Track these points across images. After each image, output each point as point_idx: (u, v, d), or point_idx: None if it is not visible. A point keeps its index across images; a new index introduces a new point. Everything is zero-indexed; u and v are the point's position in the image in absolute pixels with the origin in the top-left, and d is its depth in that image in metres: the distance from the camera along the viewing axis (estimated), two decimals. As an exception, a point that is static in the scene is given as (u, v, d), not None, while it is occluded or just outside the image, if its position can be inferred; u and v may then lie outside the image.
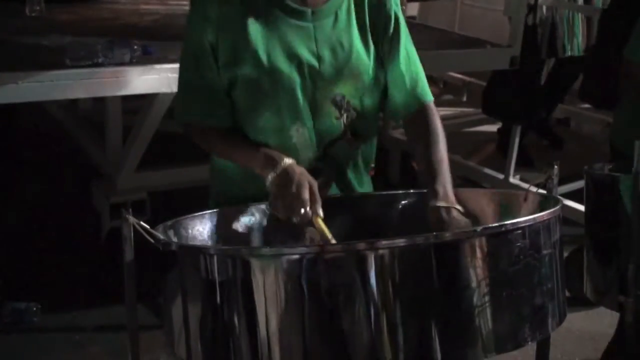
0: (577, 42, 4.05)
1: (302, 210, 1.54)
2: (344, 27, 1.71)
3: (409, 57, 1.77)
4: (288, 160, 1.62)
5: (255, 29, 1.66)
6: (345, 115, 1.73)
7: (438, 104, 5.88)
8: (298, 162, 1.67)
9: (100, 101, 3.73)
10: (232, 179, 1.80)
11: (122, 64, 2.84)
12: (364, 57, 1.72)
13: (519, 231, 1.37)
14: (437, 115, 1.79)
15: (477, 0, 5.72)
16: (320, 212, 1.56)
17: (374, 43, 1.73)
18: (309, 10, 1.68)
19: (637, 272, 1.67)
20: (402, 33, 1.75)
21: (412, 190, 1.83)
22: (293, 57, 1.67)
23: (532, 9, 3.88)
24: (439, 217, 1.55)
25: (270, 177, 1.60)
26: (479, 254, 1.33)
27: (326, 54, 1.69)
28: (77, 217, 3.87)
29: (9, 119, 4.80)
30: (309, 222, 1.56)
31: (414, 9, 5.56)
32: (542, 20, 3.94)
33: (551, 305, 1.44)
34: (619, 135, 2.51)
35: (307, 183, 1.57)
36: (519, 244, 1.36)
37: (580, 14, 4.04)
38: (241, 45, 1.65)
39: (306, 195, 1.55)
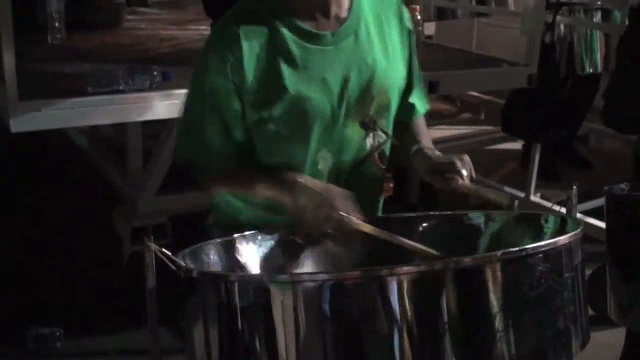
0: (595, 60, 4.05)
1: (340, 216, 1.52)
2: (366, 46, 1.69)
3: (414, 68, 1.82)
4: (305, 177, 1.61)
5: (281, 64, 1.62)
6: (372, 135, 1.72)
7: (456, 122, 5.88)
8: None
9: (120, 126, 3.77)
10: (238, 208, 1.78)
11: (142, 89, 2.88)
12: (389, 72, 1.71)
13: (540, 255, 1.36)
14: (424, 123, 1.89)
15: (494, 19, 5.73)
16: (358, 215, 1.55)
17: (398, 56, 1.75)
18: (329, 34, 1.65)
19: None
20: (413, 46, 1.79)
21: (432, 213, 1.83)
22: (320, 84, 1.64)
23: (550, 27, 3.89)
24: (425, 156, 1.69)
25: (294, 198, 1.58)
26: (499, 278, 1.32)
27: (352, 76, 1.66)
28: (98, 242, 3.89)
29: (35, 147, 4.85)
30: (348, 228, 1.53)
31: (430, 28, 5.58)
32: (560, 38, 3.94)
33: (574, 328, 1.42)
34: None
35: (334, 190, 1.57)
36: (540, 267, 1.35)
37: (598, 31, 4.04)
38: (270, 83, 1.62)
39: (338, 202, 1.54)
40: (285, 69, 1.62)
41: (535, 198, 4.06)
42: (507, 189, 4.20)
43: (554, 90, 4.12)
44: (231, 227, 1.73)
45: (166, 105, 2.89)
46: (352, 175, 1.73)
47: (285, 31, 1.63)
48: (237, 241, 1.69)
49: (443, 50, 4.25)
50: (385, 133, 1.73)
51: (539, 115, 4.04)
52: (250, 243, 1.69)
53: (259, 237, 1.69)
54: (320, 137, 1.67)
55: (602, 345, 2.87)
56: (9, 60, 2.65)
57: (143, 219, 3.51)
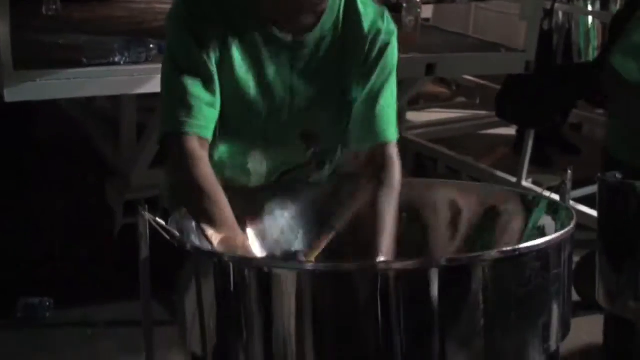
0: (592, 48, 4.05)
1: None
2: (324, 61, 1.64)
3: (379, 93, 1.67)
4: (219, 237, 1.51)
5: (235, 50, 1.60)
6: (312, 149, 1.72)
7: (451, 106, 5.89)
8: (249, 183, 1.69)
9: (115, 99, 3.76)
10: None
11: (137, 62, 2.87)
12: (338, 92, 1.67)
13: (533, 254, 1.36)
14: (396, 162, 1.68)
15: (491, 4, 5.71)
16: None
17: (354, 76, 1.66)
18: (290, 40, 1.62)
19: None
20: (382, 68, 1.66)
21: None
22: (266, 87, 1.63)
23: (548, 14, 3.88)
24: None
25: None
26: (490, 276, 1.32)
27: (301, 86, 1.64)
28: (90, 214, 3.89)
29: (25, 118, 4.83)
30: None
31: (428, 11, 5.56)
32: (558, 26, 3.94)
33: (557, 320, 1.44)
34: (617, 144, 2.46)
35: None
36: (531, 266, 1.36)
37: (596, 20, 4.04)
38: (223, 60, 1.59)
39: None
40: (237, 58, 1.60)
41: (527, 183, 4.08)
42: (499, 174, 4.22)
43: (550, 77, 4.12)
44: None
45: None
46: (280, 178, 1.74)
47: (250, 22, 1.60)
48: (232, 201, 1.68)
49: (441, 33, 4.24)
50: (325, 144, 1.72)
51: (534, 102, 4.04)
52: (238, 199, 1.67)
53: (249, 194, 1.71)
54: (254, 136, 1.66)
55: (587, 332, 2.91)
56: (4, 31, 2.64)
57: (136, 192, 3.51)
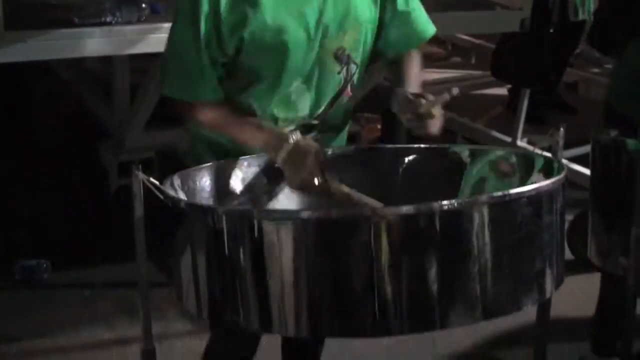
0: (588, 7, 4.02)
1: (317, 182, 1.58)
2: None
3: None
4: (293, 138, 1.61)
5: None
6: (345, 69, 1.74)
7: (446, 66, 5.84)
8: (295, 119, 1.70)
9: (107, 60, 3.73)
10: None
11: (130, 22, 2.84)
12: (365, 5, 1.73)
13: (523, 200, 1.38)
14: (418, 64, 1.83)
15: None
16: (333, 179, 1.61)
17: None
18: None
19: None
20: None
21: (418, 146, 1.85)
22: (298, 14, 1.66)
23: (543, -29, 3.85)
24: (405, 97, 1.65)
25: (280, 157, 1.61)
26: (482, 221, 1.34)
27: (329, 8, 1.68)
28: (85, 176, 3.89)
29: (17, 80, 4.80)
30: (327, 191, 1.60)
31: (423, -30, 5.51)
32: (554, -17, 3.90)
33: (550, 270, 1.46)
34: (618, 96, 2.46)
35: (315, 156, 1.60)
36: (522, 212, 1.38)
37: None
38: (247, 6, 1.63)
39: (317, 170, 1.59)
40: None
41: (521, 143, 4.08)
42: (494, 134, 4.22)
43: (546, 35, 4.10)
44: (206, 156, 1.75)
45: (154, 39, 2.85)
46: (324, 110, 1.77)
47: None
48: (224, 166, 1.70)
49: (435, -9, 4.20)
50: (355, 64, 1.75)
51: (529, 60, 4.03)
52: (237, 169, 1.70)
53: (245, 164, 1.72)
54: (294, 68, 1.69)
55: (581, 289, 2.94)
56: (-7, -8, 2.61)
57: (130, 154, 3.51)
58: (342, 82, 1.74)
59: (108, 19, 2.82)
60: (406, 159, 1.82)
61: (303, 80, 1.71)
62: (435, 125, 1.64)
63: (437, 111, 1.63)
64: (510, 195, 1.38)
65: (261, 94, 1.71)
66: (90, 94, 4.26)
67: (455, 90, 1.60)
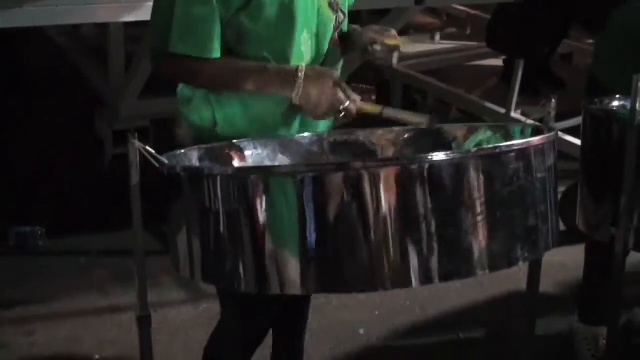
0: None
1: (347, 103, 1.64)
2: None
3: None
4: (303, 66, 1.66)
5: None
6: (335, 17, 1.78)
7: (441, 37, 5.78)
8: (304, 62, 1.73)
9: (102, 28, 3.72)
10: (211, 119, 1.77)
11: (126, -10, 2.83)
12: None
13: (513, 153, 1.40)
14: None
15: None
16: (357, 98, 1.68)
17: None
18: None
19: (629, 205, 1.71)
20: None
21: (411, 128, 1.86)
22: None
23: (540, -59, 3.83)
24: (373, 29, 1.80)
25: (296, 89, 1.64)
26: (473, 174, 1.36)
27: None
28: (80, 144, 3.90)
29: (11, 46, 4.78)
30: (355, 113, 1.67)
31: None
32: (550, -47, 3.89)
33: (544, 228, 1.48)
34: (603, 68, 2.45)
35: (332, 79, 1.66)
36: (512, 165, 1.40)
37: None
38: None
39: (340, 92, 1.64)
40: None
41: (515, 114, 4.09)
42: (488, 105, 4.23)
43: (540, 6, 4.09)
44: (203, 140, 1.74)
45: (150, 7, 2.82)
46: (327, 56, 1.80)
47: None
48: (220, 150, 1.70)
49: (431, -39, 4.18)
50: (343, 13, 1.81)
51: (524, 31, 4.02)
52: (234, 152, 1.71)
53: (242, 146, 1.72)
54: (302, 18, 1.71)
55: (573, 258, 2.97)
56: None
57: (125, 122, 3.51)
58: (333, 30, 1.80)
59: (104, -15, 2.81)
60: (400, 139, 1.84)
61: (308, 30, 1.74)
62: (396, 58, 1.81)
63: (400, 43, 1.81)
64: (501, 147, 1.40)
65: (277, 50, 1.70)
66: (85, 61, 4.25)
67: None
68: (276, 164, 1.73)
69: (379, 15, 4.05)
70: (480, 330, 2.71)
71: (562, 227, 2.99)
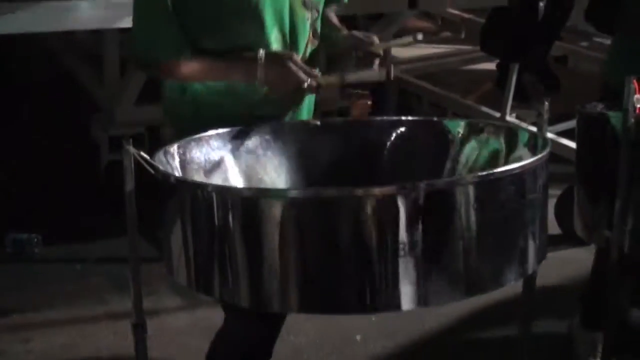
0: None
1: (307, 81, 1.68)
2: None
3: None
4: (261, 53, 1.69)
5: None
6: (310, 15, 1.81)
7: (436, 41, 5.79)
8: None
9: (97, 34, 3.71)
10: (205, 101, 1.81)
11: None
12: None
13: (508, 178, 1.40)
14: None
15: None
16: (317, 73, 1.71)
17: None
18: None
19: (624, 208, 1.71)
20: None
21: (407, 118, 1.87)
22: None
23: (533, -55, 3.84)
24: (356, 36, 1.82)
25: (259, 76, 1.69)
26: (466, 200, 1.36)
27: None
28: (76, 150, 3.89)
29: (6, 52, 4.77)
30: (317, 86, 1.71)
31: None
32: (543, -44, 3.89)
33: (533, 245, 1.48)
34: (614, 71, 2.45)
35: (292, 58, 1.70)
36: (506, 190, 1.40)
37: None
38: None
39: (297, 70, 1.68)
40: None
41: (510, 118, 4.09)
42: (483, 109, 4.23)
43: (534, 8, 4.10)
44: (184, 129, 1.76)
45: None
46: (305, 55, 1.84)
47: None
48: (210, 139, 1.71)
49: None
50: (317, 11, 1.84)
51: (517, 35, 4.03)
52: (226, 140, 1.72)
53: (232, 134, 1.73)
54: (272, 18, 1.74)
55: (570, 262, 2.98)
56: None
57: (120, 128, 3.51)
58: (309, 29, 1.82)
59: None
60: (393, 132, 1.84)
61: (279, 29, 1.77)
62: (376, 65, 1.80)
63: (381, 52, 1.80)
64: (494, 174, 1.40)
65: (245, 47, 1.74)
66: (81, 67, 4.25)
67: (420, 36, 1.78)
68: (268, 153, 1.74)
69: (373, 19, 4.06)
70: (479, 335, 2.71)
71: (559, 231, 3.02)
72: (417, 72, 4.80)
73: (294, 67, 1.69)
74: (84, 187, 3.58)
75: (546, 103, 1.70)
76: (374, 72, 1.79)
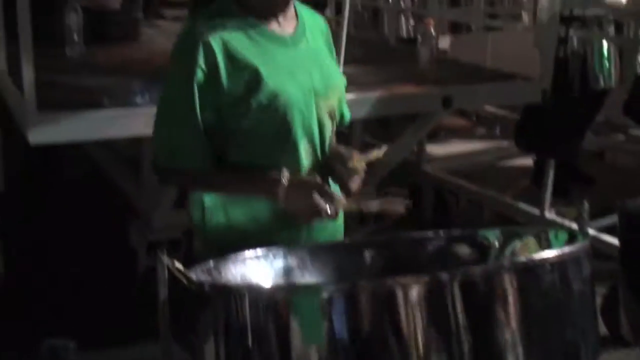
0: (609, 75, 4.03)
1: (327, 211, 1.68)
2: (315, 49, 1.84)
3: None
4: (284, 177, 1.71)
5: (257, 59, 1.72)
6: (332, 124, 1.85)
7: (471, 137, 5.82)
8: (303, 170, 1.78)
9: (136, 139, 3.80)
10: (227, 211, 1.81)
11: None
12: (336, 70, 1.90)
13: (547, 265, 1.37)
14: None
15: (508, 33, 5.73)
16: (341, 199, 1.72)
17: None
18: (288, 37, 1.80)
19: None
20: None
21: (441, 233, 1.84)
22: (292, 77, 1.75)
23: (563, 41, 3.88)
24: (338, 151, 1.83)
25: (281, 199, 1.70)
26: (506, 289, 1.33)
27: (314, 73, 1.80)
28: (114, 255, 3.91)
29: (49, 158, 4.89)
30: (336, 214, 1.71)
31: (445, 42, 5.59)
32: (574, 53, 3.93)
33: (583, 342, 1.43)
34: None
35: (315, 185, 1.70)
36: (547, 278, 1.37)
37: (611, 45, 4.02)
38: (247, 75, 1.71)
39: (319, 199, 1.68)
40: (260, 64, 1.72)
41: (550, 214, 4.03)
42: (522, 206, 4.18)
43: (568, 105, 4.11)
44: (216, 247, 1.76)
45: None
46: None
47: (252, 32, 1.74)
48: (244, 260, 1.70)
49: (456, 64, 4.26)
50: (336, 119, 1.88)
51: (552, 131, 4.03)
52: (259, 260, 1.71)
53: (270, 256, 1.72)
54: (302, 128, 1.76)
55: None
56: (28, 72, 2.70)
57: (159, 233, 3.53)
58: (331, 138, 1.86)
59: (136, 100, 2.89)
60: (429, 247, 1.81)
61: (308, 140, 1.79)
62: (357, 182, 1.80)
63: (362, 168, 1.79)
64: (533, 260, 1.38)
65: (274, 160, 1.75)
66: (119, 172, 4.33)
67: (381, 152, 1.79)
68: (306, 275, 1.71)
69: (408, 120, 4.10)
70: None
71: (605, 333, 2.92)
72: (453, 170, 4.80)
73: (317, 198, 1.69)
74: (122, 292, 3.58)
75: (586, 204, 1.68)
76: (396, 201, 1.78)
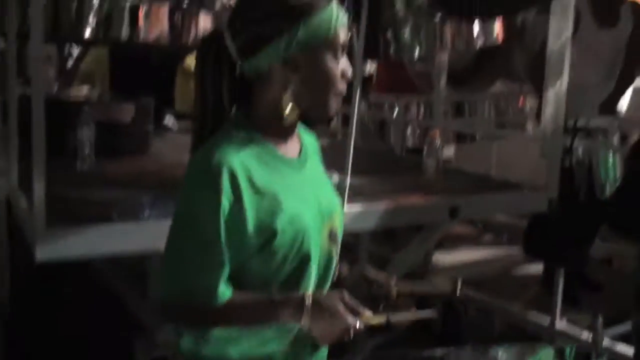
0: (614, 183, 4.05)
1: (353, 328, 1.61)
2: (318, 170, 1.84)
3: None
4: (309, 294, 1.65)
5: (275, 184, 1.67)
6: (336, 248, 1.80)
7: (479, 244, 5.81)
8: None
9: (142, 254, 3.79)
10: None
11: (166, 217, 2.89)
12: (333, 192, 1.86)
13: None
14: None
15: (513, 142, 5.80)
16: (365, 313, 1.65)
17: None
18: (295, 159, 1.77)
19: None
20: None
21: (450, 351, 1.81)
22: (305, 201, 1.72)
23: (568, 151, 3.92)
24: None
25: (305, 323, 1.62)
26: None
27: (320, 196, 1.78)
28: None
29: (54, 273, 4.86)
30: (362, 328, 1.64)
31: (449, 151, 5.66)
32: (579, 163, 3.97)
33: None
34: None
35: (336, 302, 1.64)
36: None
37: (617, 155, 4.06)
38: (268, 200, 1.64)
39: (344, 314, 1.62)
40: (278, 189, 1.67)
41: (561, 324, 3.97)
42: (531, 316, 4.12)
43: (575, 213, 4.12)
44: None
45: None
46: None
47: (265, 155, 1.70)
48: None
49: (462, 174, 4.29)
50: (338, 245, 1.82)
51: (560, 239, 4.02)
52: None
53: None
54: (314, 253, 1.72)
55: None
56: (39, 189, 2.70)
57: (164, 349, 3.47)
58: (334, 261, 1.80)
59: (145, 214, 2.89)
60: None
61: (318, 265, 1.74)
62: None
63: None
64: None
65: (288, 283, 1.68)
66: (126, 287, 4.29)
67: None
68: None
69: (415, 230, 4.10)
70: None
71: None
72: (462, 279, 4.76)
73: (342, 310, 1.63)
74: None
75: (600, 319, 1.66)
76: (422, 312, 1.77)
